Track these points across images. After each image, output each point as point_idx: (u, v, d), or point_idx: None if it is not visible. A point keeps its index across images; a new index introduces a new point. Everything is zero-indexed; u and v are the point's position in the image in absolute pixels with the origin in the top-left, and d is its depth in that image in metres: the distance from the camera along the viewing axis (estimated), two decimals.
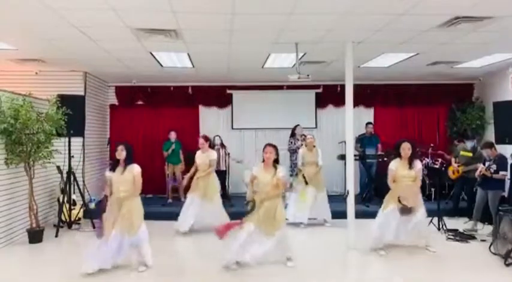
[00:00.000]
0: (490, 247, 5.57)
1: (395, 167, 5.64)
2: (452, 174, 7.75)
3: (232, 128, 10.04)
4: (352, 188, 6.09)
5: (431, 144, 8.76)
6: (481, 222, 6.73)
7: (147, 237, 5.03)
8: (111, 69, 8.13)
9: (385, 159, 7.79)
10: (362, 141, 9.05)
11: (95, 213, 7.06)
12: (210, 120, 10.03)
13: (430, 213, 6.70)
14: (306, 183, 7.12)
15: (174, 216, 6.94)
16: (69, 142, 7.10)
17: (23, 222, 6.43)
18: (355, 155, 6.76)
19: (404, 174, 5.57)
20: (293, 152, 8.66)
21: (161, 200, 8.80)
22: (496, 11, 4.74)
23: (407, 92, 9.96)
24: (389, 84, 9.89)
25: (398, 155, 5.66)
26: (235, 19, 4.98)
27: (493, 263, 5.23)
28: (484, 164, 6.62)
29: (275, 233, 4.97)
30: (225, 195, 8.74)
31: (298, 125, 8.90)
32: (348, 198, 6.07)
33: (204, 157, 6.91)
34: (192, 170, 6.96)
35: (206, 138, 7.12)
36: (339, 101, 8.97)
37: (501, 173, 6.39)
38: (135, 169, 5.00)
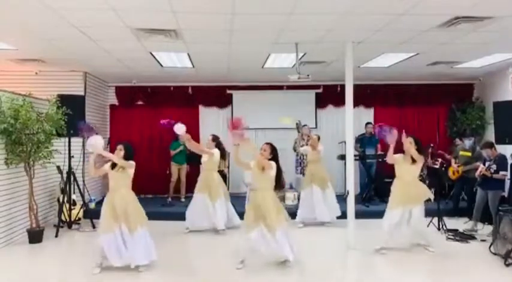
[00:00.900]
0: (490, 247, 5.57)
1: (400, 159, 5.65)
2: (452, 174, 7.74)
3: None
4: (352, 188, 6.08)
5: (432, 144, 8.76)
6: (481, 222, 6.72)
7: (147, 233, 5.03)
8: (111, 69, 8.13)
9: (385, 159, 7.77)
10: (362, 141, 9.05)
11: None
12: (210, 120, 10.02)
13: (430, 213, 6.71)
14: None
15: (174, 216, 6.94)
16: (69, 142, 7.10)
17: (23, 222, 6.43)
18: (355, 155, 6.75)
19: (406, 168, 5.58)
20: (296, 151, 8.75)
21: (161, 200, 8.80)
22: (496, 11, 4.74)
23: (407, 92, 9.95)
24: (389, 84, 9.89)
25: (402, 151, 5.65)
26: (235, 19, 4.98)
27: (493, 263, 5.22)
28: (484, 164, 6.62)
29: (276, 227, 4.95)
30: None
31: (305, 125, 8.74)
32: (348, 198, 6.07)
33: (207, 156, 6.87)
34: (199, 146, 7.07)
35: (215, 138, 7.12)
36: (339, 101, 8.96)
37: (501, 173, 6.39)
38: (130, 162, 5.04)
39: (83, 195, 7.50)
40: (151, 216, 7.87)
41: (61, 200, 6.99)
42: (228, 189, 8.78)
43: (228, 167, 8.92)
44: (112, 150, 5.68)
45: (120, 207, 4.88)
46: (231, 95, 10.01)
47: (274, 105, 9.85)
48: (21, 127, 5.87)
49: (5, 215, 6.06)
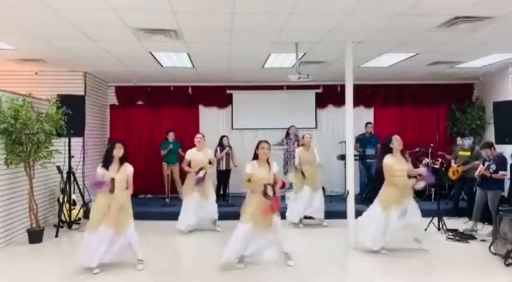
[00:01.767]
0: (490, 247, 5.57)
1: (391, 161, 5.48)
2: (452, 175, 7.74)
3: (233, 128, 10.04)
4: (352, 188, 6.09)
5: (431, 144, 8.76)
6: (481, 222, 6.73)
7: (136, 234, 5.03)
8: (111, 69, 8.12)
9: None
10: (362, 141, 9.06)
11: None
12: (210, 120, 10.02)
13: (430, 213, 6.72)
14: (303, 175, 7.11)
15: (173, 216, 6.93)
16: (69, 142, 7.10)
17: (23, 222, 6.43)
18: (355, 155, 6.76)
19: (401, 168, 5.48)
20: (286, 151, 8.93)
21: (161, 200, 8.77)
22: (496, 11, 4.74)
23: (407, 92, 9.96)
24: (389, 84, 9.90)
25: (390, 151, 5.54)
26: (235, 19, 4.98)
27: (493, 263, 5.22)
28: (483, 164, 6.62)
29: (269, 229, 4.96)
30: (224, 195, 8.76)
31: (292, 125, 9.03)
32: (348, 198, 6.07)
33: (201, 155, 6.80)
34: (187, 168, 6.79)
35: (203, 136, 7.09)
36: (339, 101, 8.98)
37: (500, 172, 6.39)
38: (129, 168, 5.03)
39: (83, 195, 7.50)
40: (152, 216, 7.88)
41: (61, 200, 6.98)
42: (228, 189, 8.86)
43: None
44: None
45: (115, 210, 4.87)
46: (231, 95, 10.01)
47: (274, 105, 9.87)
48: (21, 127, 5.87)
49: (5, 215, 6.06)
